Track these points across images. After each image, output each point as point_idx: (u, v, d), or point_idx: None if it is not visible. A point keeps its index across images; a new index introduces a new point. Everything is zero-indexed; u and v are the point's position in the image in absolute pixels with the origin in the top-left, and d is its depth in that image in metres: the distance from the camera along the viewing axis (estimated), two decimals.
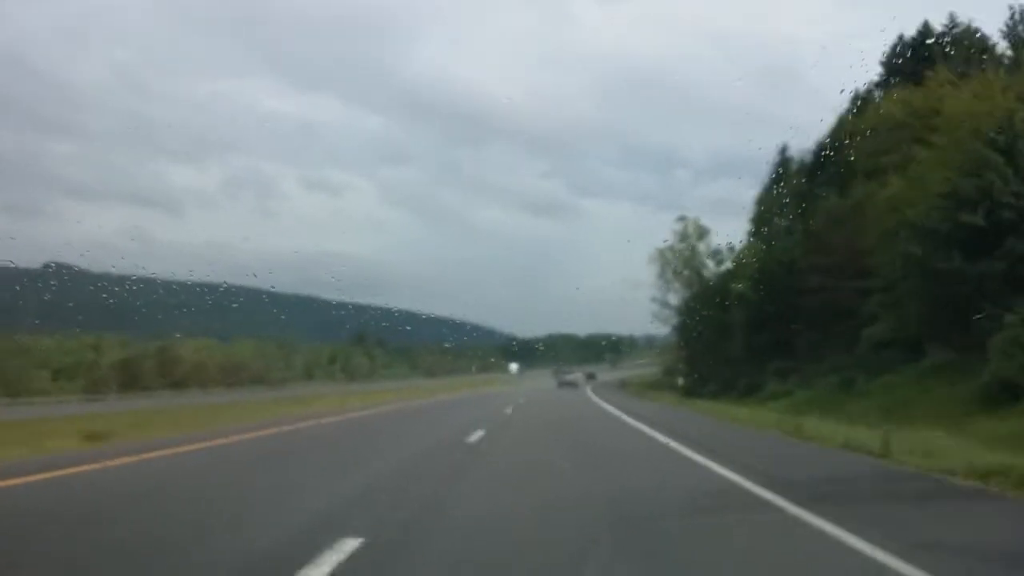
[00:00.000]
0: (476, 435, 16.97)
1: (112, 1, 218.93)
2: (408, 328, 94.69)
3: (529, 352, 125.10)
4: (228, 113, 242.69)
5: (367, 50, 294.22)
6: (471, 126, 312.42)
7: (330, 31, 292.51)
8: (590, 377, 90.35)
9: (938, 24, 34.98)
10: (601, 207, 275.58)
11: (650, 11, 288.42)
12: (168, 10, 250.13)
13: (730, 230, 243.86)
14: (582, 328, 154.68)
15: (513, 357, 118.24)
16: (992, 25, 41.31)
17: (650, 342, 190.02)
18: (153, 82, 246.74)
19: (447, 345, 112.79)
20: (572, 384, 68.94)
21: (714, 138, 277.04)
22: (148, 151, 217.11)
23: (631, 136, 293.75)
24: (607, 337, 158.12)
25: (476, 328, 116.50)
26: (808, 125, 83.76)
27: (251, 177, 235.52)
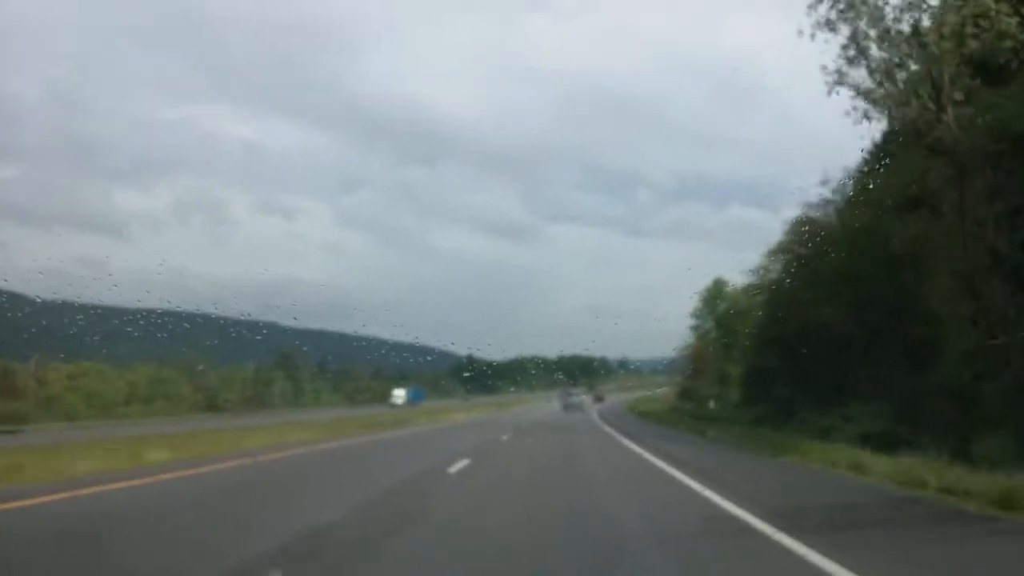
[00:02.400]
0: None
1: (49, 19, 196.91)
2: (345, 347, 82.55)
3: (494, 374, 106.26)
4: (176, 134, 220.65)
5: (315, 65, 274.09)
6: (428, 145, 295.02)
7: (277, 48, 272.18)
8: (598, 399, 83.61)
9: None
10: (565, 228, 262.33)
11: (605, 27, 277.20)
12: (108, 28, 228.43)
13: (696, 253, 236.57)
14: (551, 350, 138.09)
15: (473, 380, 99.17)
16: None
17: (624, 365, 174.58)
18: (95, 104, 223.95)
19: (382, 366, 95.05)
20: (578, 407, 61.68)
21: (676, 159, 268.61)
22: (94, 176, 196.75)
23: (593, 156, 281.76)
24: (580, 359, 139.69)
25: (434, 352, 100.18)
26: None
27: (202, 201, 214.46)
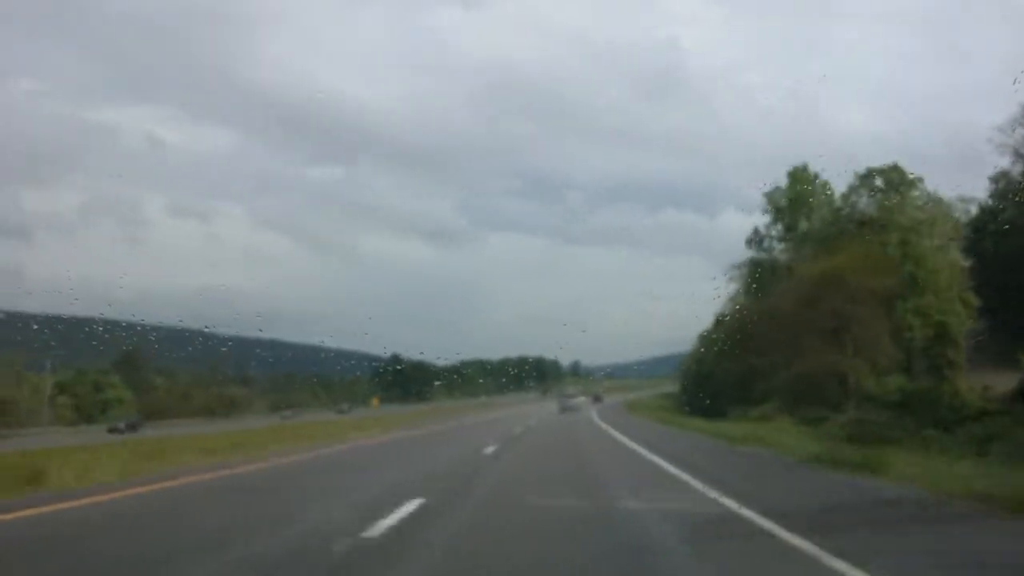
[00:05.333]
0: None
1: None
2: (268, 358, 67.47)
3: (427, 378, 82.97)
4: (68, 131, 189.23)
5: (209, 50, 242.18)
6: (346, 143, 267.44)
7: (168, 32, 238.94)
8: (596, 400, 77.95)
9: None
10: (499, 235, 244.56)
11: (521, 19, 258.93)
12: None
13: (621, 258, 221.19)
14: (495, 354, 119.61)
15: (400, 385, 75.80)
16: None
17: (577, 369, 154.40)
18: None
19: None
20: (575, 409, 54.21)
21: (605, 159, 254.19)
22: None
23: (520, 156, 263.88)
24: (528, 361, 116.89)
25: (360, 356, 79.31)
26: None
27: (113, 205, 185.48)
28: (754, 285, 34.35)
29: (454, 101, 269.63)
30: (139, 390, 63.00)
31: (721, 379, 41.50)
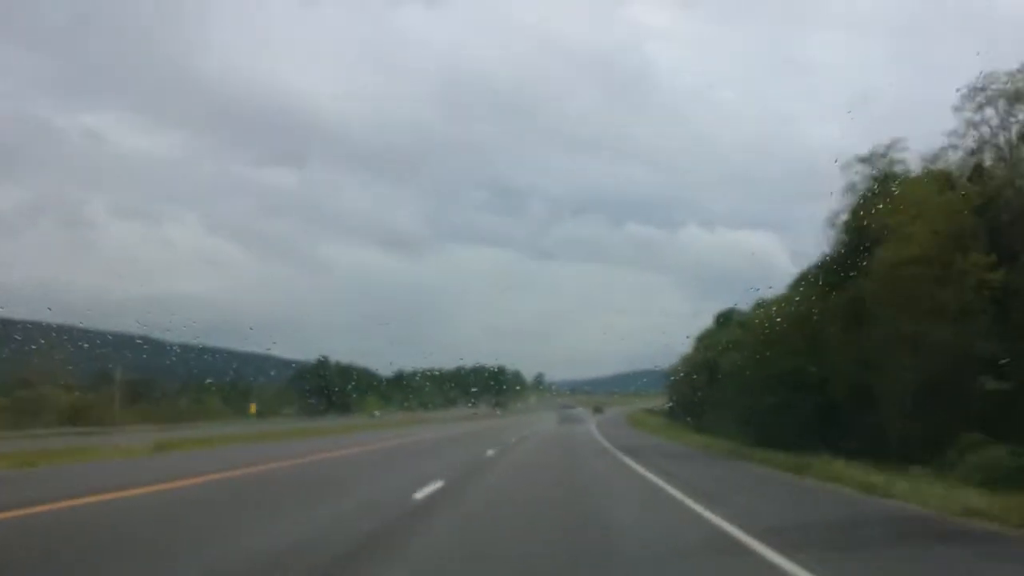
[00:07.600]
0: None
1: None
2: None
3: (361, 387, 66.09)
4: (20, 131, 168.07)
5: (161, 47, 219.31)
6: (300, 142, 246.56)
7: (116, 27, 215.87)
8: (596, 411, 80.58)
9: None
10: (455, 241, 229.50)
11: (484, 19, 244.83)
12: None
13: (585, 271, 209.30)
14: (452, 365, 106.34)
15: (320, 394, 58.89)
16: None
17: (541, 382, 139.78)
18: None
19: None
20: (576, 420, 57.49)
21: (571, 168, 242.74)
22: None
23: (485, 163, 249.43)
24: (486, 370, 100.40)
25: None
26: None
27: (59, 205, 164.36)
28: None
29: (416, 103, 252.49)
30: None
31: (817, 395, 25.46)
